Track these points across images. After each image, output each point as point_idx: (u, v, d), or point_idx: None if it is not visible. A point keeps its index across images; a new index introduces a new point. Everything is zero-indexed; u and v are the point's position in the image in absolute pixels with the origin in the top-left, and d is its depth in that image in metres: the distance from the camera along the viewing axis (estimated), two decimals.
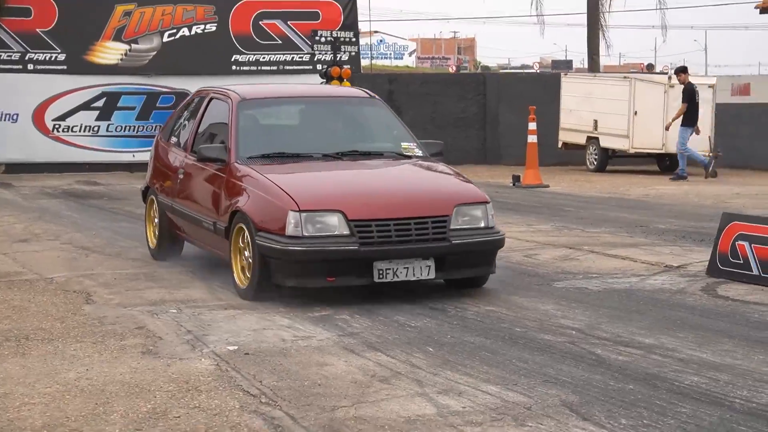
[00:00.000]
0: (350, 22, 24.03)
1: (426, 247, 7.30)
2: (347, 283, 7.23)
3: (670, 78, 21.66)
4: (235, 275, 7.68)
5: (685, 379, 5.38)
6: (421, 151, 8.69)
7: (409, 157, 8.58)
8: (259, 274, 7.26)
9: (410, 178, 8.30)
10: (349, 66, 21.12)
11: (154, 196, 9.65)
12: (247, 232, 7.38)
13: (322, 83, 18.42)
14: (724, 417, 4.68)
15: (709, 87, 21.17)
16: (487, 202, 7.73)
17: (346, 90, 12.62)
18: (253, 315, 7.16)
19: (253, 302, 7.39)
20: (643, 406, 4.86)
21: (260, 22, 23.89)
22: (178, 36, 23.65)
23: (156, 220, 9.53)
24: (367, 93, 9.53)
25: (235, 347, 6.16)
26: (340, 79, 18.34)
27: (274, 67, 23.85)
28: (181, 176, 8.97)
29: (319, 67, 21.70)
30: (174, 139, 9.62)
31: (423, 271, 7.27)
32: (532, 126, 18.64)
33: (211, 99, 9.04)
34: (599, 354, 5.98)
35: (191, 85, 23.12)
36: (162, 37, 23.55)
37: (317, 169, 8.22)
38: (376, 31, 41.95)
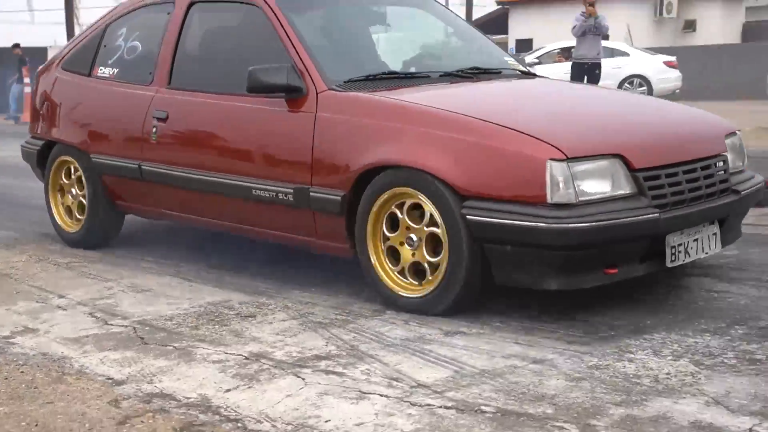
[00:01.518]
0: None
1: (718, 205, 4.50)
2: (630, 274, 4.22)
3: None
4: (384, 278, 4.44)
5: None
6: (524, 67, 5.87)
7: (532, 75, 5.77)
8: (467, 271, 4.12)
9: (634, 101, 5.69)
10: None
11: (76, 157, 6.13)
12: (428, 204, 4.20)
13: None
14: None
15: None
16: (738, 131, 5.10)
17: None
18: None
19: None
20: None
21: None
22: None
23: (76, 190, 6.17)
24: None
25: None
26: None
27: None
28: (159, 124, 5.49)
29: None
30: (107, 71, 6.06)
31: (711, 241, 4.50)
32: None
33: (192, 4, 5.65)
34: None
35: None
36: None
37: (482, 94, 5.13)
38: None
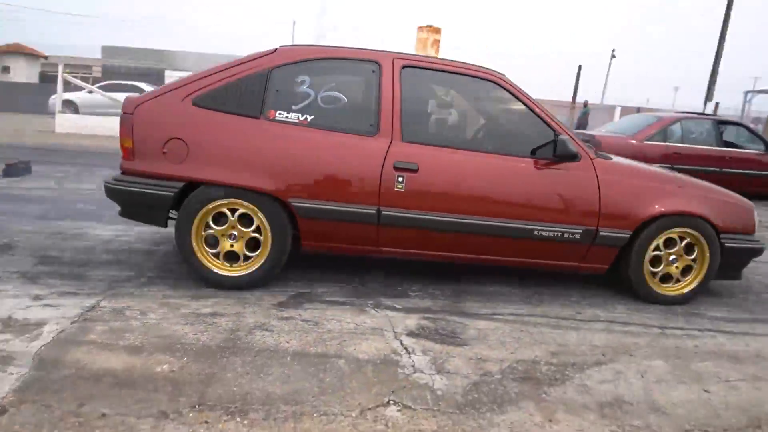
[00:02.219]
0: None
1: None
2: None
3: None
4: (652, 286, 6.72)
5: None
6: None
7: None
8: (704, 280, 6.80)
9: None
10: None
11: (254, 201, 5.92)
12: (699, 237, 6.64)
13: None
14: None
15: None
16: None
17: None
18: None
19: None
20: None
21: None
22: None
23: (238, 233, 5.98)
24: None
25: None
26: None
27: None
28: (406, 174, 5.94)
29: None
30: (294, 116, 6.02)
31: None
32: None
33: (404, 67, 6.16)
34: None
35: None
36: None
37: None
38: None
